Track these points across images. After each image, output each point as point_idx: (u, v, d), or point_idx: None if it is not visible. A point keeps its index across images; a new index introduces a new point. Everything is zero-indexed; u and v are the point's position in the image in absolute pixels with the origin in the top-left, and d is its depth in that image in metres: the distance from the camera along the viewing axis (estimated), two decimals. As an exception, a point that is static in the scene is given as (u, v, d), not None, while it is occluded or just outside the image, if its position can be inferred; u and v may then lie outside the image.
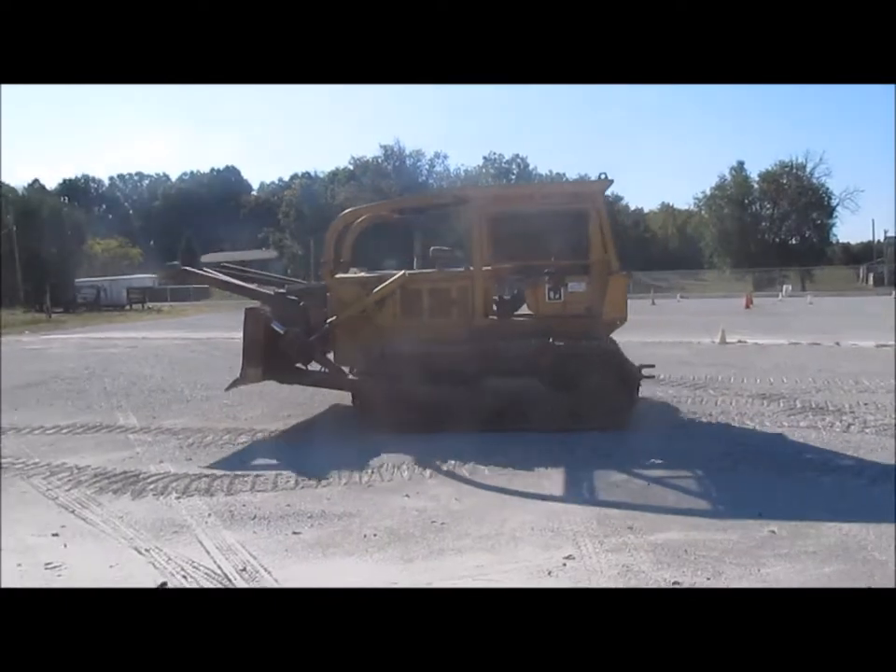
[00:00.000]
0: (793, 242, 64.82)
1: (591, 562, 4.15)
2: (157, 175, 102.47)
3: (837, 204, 62.63)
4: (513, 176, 75.84)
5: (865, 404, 8.21)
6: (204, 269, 9.04)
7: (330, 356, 8.14)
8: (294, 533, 4.80)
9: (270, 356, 7.62)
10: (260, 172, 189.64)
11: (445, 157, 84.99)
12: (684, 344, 15.02)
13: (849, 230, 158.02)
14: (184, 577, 4.10)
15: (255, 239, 74.70)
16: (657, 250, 74.38)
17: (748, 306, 28.95)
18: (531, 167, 77.27)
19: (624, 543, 4.41)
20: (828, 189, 62.90)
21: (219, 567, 4.22)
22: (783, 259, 57.46)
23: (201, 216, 76.11)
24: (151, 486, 5.93)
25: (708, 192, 67.05)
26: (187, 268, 9.34)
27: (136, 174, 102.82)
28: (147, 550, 4.54)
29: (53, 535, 4.89)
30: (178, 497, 5.65)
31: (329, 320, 8.00)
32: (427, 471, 6.14)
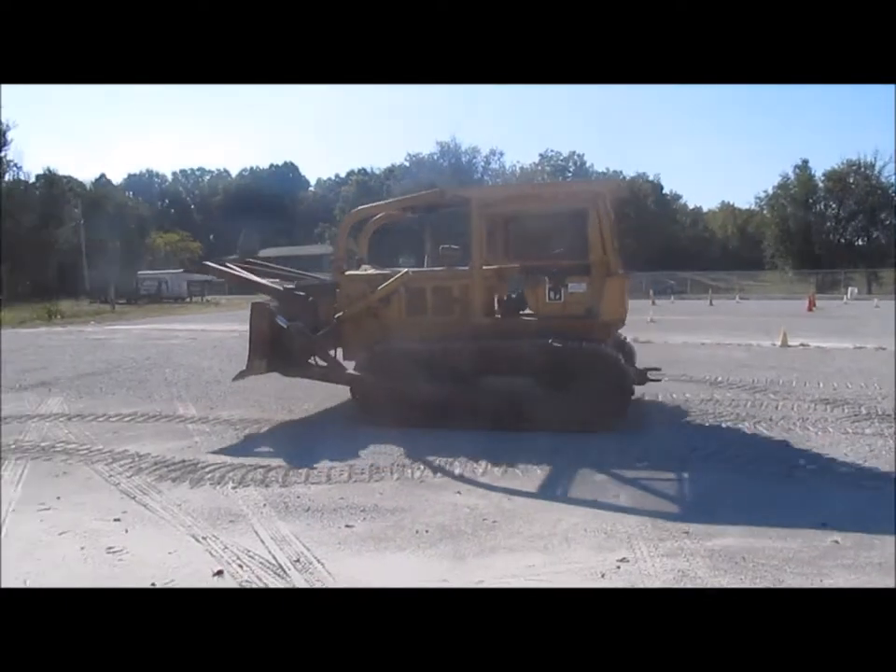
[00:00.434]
0: (860, 243, 62.67)
1: (645, 565, 4.09)
2: (218, 170, 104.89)
3: (907, 205, 60.35)
4: (569, 174, 75.22)
5: (935, 412, 7.89)
6: (227, 264, 9.25)
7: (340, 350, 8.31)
8: (347, 526, 4.84)
9: (274, 348, 7.84)
10: (318, 168, 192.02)
11: (501, 154, 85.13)
12: (743, 347, 14.66)
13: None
14: (239, 566, 4.17)
15: (311, 234, 75.77)
16: (716, 250, 72.85)
17: (810, 308, 28.11)
18: (588, 164, 76.59)
19: (680, 548, 4.33)
20: (898, 188, 60.67)
21: (274, 558, 4.28)
22: (848, 260, 55.63)
23: (259, 211, 77.45)
24: (209, 475, 6.06)
25: (771, 191, 65.40)
26: (207, 263, 9.63)
27: (198, 169, 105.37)
28: (204, 538, 4.63)
29: (115, 520, 5.04)
30: (234, 487, 5.75)
31: (336, 316, 8.18)
32: (479, 468, 6.13)
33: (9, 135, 46.23)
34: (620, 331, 8.79)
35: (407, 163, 74.60)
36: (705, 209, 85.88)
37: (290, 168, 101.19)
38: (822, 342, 15.16)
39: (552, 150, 77.56)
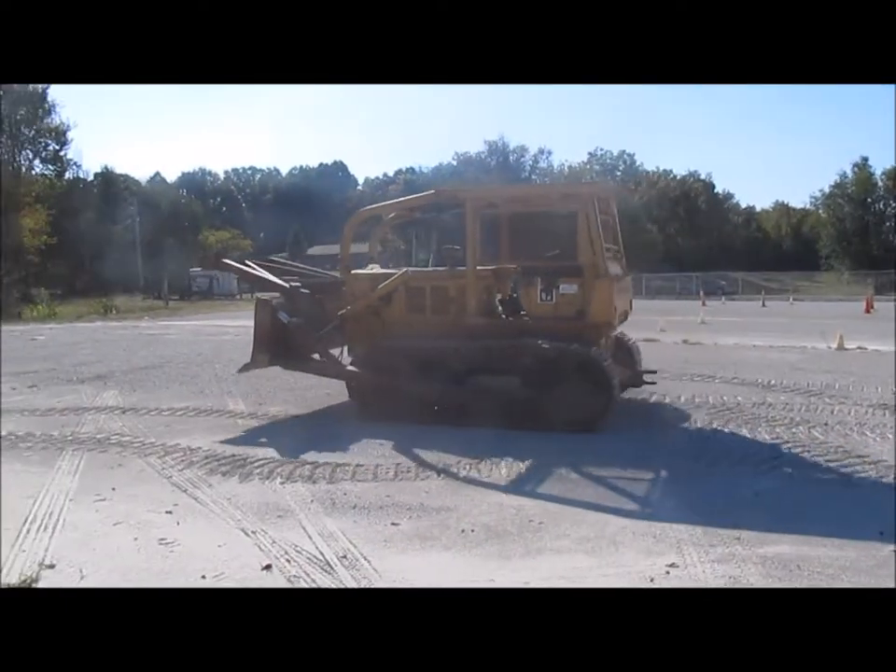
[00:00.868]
0: (920, 243, 60.77)
1: (695, 571, 4.01)
2: (268, 169, 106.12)
3: (972, 204, 58.33)
4: (619, 173, 74.47)
5: None
6: (247, 262, 9.58)
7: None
8: (393, 524, 4.86)
9: (276, 343, 8.21)
10: (366, 167, 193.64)
11: (549, 153, 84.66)
12: (797, 349, 14.31)
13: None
14: (287, 561, 4.22)
15: (359, 232, 76.20)
16: (769, 250, 71.27)
17: (868, 311, 27.25)
18: (638, 164, 75.67)
19: (731, 554, 4.24)
20: (962, 187, 58.67)
21: (321, 554, 4.31)
22: (908, 261, 53.96)
23: (308, 209, 78.32)
24: (258, 470, 6.15)
25: (827, 190, 63.80)
26: (225, 260, 9.93)
27: (249, 168, 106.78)
28: (253, 532, 4.70)
29: (167, 512, 5.14)
30: (283, 483, 5.82)
31: (340, 313, 8.39)
32: (524, 468, 6.10)
33: (69, 135, 47.57)
34: (628, 334, 9.14)
35: (454, 162, 74.75)
36: (758, 208, 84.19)
37: (339, 167, 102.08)
38: (881, 345, 14.66)
39: (601, 149, 76.83)
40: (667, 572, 4.00)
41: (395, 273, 8.31)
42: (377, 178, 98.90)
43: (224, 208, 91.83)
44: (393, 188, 78.93)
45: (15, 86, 40.00)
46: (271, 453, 6.71)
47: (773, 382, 10.12)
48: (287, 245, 64.83)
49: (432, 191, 8.50)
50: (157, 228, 56.11)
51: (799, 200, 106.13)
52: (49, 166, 49.29)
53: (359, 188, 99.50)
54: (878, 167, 62.46)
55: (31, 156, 46.58)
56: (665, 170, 72.13)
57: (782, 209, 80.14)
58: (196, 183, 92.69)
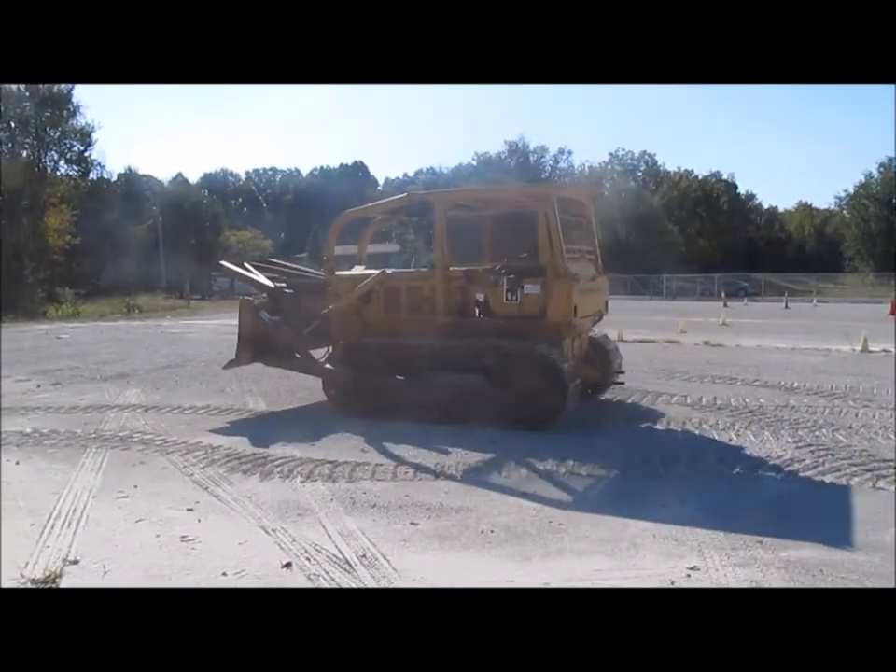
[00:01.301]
0: (947, 245, 59.78)
1: (716, 574, 3.98)
2: (289, 170, 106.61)
3: None
4: (640, 173, 74.03)
5: None
6: (245, 264, 9.96)
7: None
8: (412, 524, 4.86)
9: (258, 341, 8.84)
10: (386, 168, 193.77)
11: (570, 153, 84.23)
12: (821, 351, 14.13)
13: None
14: (307, 559, 4.24)
15: (379, 233, 76.36)
16: (792, 251, 70.50)
17: (892, 313, 26.85)
18: (659, 164, 75.15)
19: (753, 558, 4.20)
20: None
21: (341, 552, 4.33)
22: (935, 263, 53.13)
23: (329, 209, 78.28)
24: (278, 469, 6.18)
25: (852, 191, 62.95)
26: (222, 262, 10.41)
27: (270, 168, 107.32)
28: (273, 530, 4.73)
29: (188, 510, 5.18)
30: (303, 481, 5.85)
31: (323, 312, 8.76)
32: (543, 469, 6.08)
33: (94, 136, 48.03)
34: (609, 334, 9.37)
35: (474, 162, 74.60)
36: (781, 209, 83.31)
37: (360, 167, 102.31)
38: (906, 348, 14.48)
39: (622, 149, 76.35)
40: (688, 575, 3.97)
41: (373, 274, 8.56)
42: (397, 179, 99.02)
43: (245, 208, 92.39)
44: (412, 188, 79.13)
45: (41, 88, 40.47)
46: (290, 451, 6.74)
47: (796, 384, 10.01)
48: (307, 244, 65.00)
49: (405, 195, 8.83)
50: (179, 228, 56.57)
51: (823, 200, 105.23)
52: (74, 167, 49.76)
53: (379, 188, 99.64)
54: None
55: (56, 157, 47.03)
56: (686, 170, 71.68)
57: (806, 210, 79.27)
58: (218, 183, 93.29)
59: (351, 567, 4.13)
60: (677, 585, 3.85)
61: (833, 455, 6.39)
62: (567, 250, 7.71)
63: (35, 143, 43.37)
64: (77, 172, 50.24)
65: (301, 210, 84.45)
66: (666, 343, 15.76)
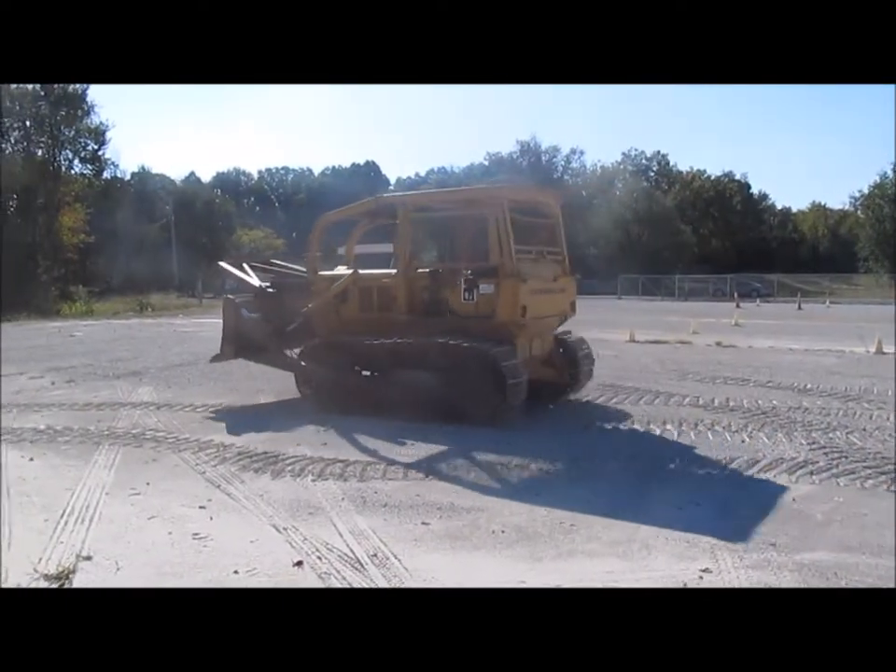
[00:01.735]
0: (963, 246, 59.18)
1: (729, 577, 3.95)
2: (301, 169, 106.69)
3: None
4: (653, 173, 73.72)
5: None
6: (243, 265, 10.51)
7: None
8: (423, 523, 4.86)
9: (240, 337, 9.36)
10: (398, 167, 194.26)
11: (582, 153, 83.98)
12: (834, 353, 14.04)
13: None
14: (318, 558, 4.24)
15: (390, 232, 76.38)
16: (805, 252, 70.04)
17: (907, 314, 26.71)
18: (672, 164, 74.78)
19: (767, 560, 4.17)
20: None
21: (352, 551, 4.33)
22: (950, 264, 52.61)
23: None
24: (289, 468, 6.20)
25: (866, 191, 62.41)
26: (220, 263, 11.00)
27: (282, 168, 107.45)
28: (284, 528, 4.74)
29: (200, 507, 5.20)
30: (314, 480, 5.86)
31: (303, 310, 9.04)
32: (554, 470, 6.07)
33: (108, 135, 48.26)
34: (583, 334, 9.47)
35: (486, 162, 74.41)
36: (794, 209, 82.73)
37: (371, 167, 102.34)
38: (921, 350, 14.36)
39: (635, 149, 75.97)
40: (700, 577, 3.95)
41: (347, 275, 8.85)
42: (408, 178, 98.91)
43: (258, 208, 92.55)
44: (424, 188, 79.10)
45: (56, 87, 40.71)
46: (302, 450, 6.76)
47: (809, 386, 9.96)
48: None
49: (373, 198, 9.10)
50: (192, 227, 56.79)
51: (837, 201, 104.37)
52: (88, 166, 49.96)
53: (391, 188, 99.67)
54: (920, 167, 60.78)
55: (70, 156, 47.27)
56: (699, 170, 71.32)
57: (819, 210, 78.67)
58: (230, 183, 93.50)
59: (362, 566, 4.13)
60: (689, 587, 3.83)
61: (847, 457, 6.34)
62: (528, 251, 7.98)
63: (49, 142, 43.58)
64: (91, 171, 50.49)
65: (312, 209, 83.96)
66: (678, 344, 15.71)
